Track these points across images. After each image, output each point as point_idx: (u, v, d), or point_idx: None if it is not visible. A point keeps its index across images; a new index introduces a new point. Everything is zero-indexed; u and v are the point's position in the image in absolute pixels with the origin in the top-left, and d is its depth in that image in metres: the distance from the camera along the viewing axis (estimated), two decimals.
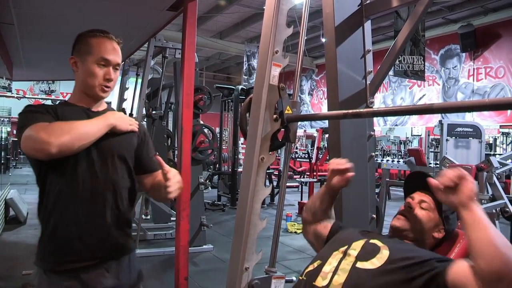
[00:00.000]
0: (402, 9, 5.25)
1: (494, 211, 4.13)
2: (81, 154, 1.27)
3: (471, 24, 10.30)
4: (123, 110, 5.98)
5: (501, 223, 4.52)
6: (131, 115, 5.63)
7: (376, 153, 2.81)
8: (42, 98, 13.63)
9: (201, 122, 5.22)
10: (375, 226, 1.94)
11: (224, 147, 10.56)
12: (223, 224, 6.33)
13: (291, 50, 5.15)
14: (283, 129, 1.65)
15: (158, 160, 1.37)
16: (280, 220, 1.63)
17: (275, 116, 1.64)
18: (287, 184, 1.83)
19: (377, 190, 5.09)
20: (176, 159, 5.36)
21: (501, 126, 10.16)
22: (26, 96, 12.93)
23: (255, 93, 1.68)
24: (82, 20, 3.21)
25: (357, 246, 1.30)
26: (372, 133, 1.92)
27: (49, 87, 14.38)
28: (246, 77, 12.83)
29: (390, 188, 8.54)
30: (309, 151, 11.62)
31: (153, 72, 5.78)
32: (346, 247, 1.32)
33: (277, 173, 9.44)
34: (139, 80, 5.30)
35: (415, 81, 10.82)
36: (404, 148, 12.21)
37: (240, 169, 7.51)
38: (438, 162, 6.24)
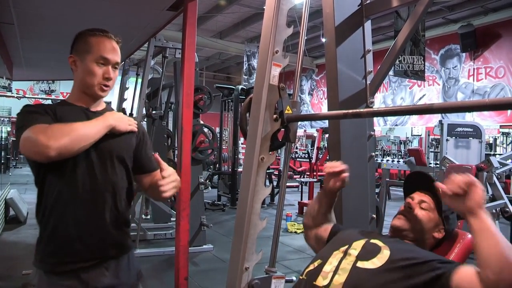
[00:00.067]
0: (402, 9, 5.25)
1: (494, 211, 4.13)
2: (81, 155, 1.27)
3: (471, 24, 10.30)
4: (123, 110, 5.97)
5: (501, 223, 4.53)
6: (131, 115, 5.63)
7: (376, 153, 2.81)
8: (42, 98, 13.63)
9: (201, 122, 5.21)
10: (375, 226, 1.94)
11: (224, 147, 10.56)
12: (223, 224, 6.33)
13: (291, 50, 5.15)
14: (283, 129, 1.65)
15: (156, 159, 1.37)
16: (280, 220, 1.63)
17: (275, 116, 1.64)
18: (287, 184, 1.83)
19: (377, 190, 5.09)
20: (176, 159, 5.35)
21: (501, 126, 10.15)
22: (26, 96, 12.94)
23: (255, 93, 1.68)
24: (82, 20, 3.21)
25: (357, 246, 1.30)
26: (372, 133, 1.92)
27: (49, 87, 14.38)
28: (246, 77, 12.83)
29: (390, 188, 8.54)
30: (309, 151, 11.62)
31: (153, 72, 5.78)
32: (346, 246, 1.32)
33: (277, 173, 9.44)
34: (139, 80, 5.30)
35: (415, 81, 10.82)
36: (404, 148, 12.21)
37: (240, 169, 7.51)
38: (438, 162, 6.24)
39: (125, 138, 1.40)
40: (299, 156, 12.91)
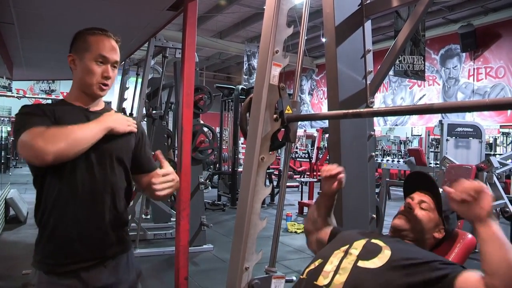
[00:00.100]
0: (402, 9, 5.25)
1: (494, 211, 4.13)
2: (80, 156, 1.26)
3: (471, 24, 10.30)
4: (123, 110, 5.98)
5: (501, 223, 4.52)
6: (131, 114, 5.63)
7: (376, 153, 2.82)
8: (42, 98, 13.64)
9: (201, 122, 5.21)
10: (375, 226, 1.94)
11: (224, 147, 10.56)
12: (223, 223, 6.33)
13: (291, 50, 5.14)
14: (283, 129, 1.65)
15: (159, 158, 1.37)
16: (280, 220, 1.63)
17: (275, 116, 1.64)
18: (287, 184, 1.83)
19: (377, 190, 5.10)
20: (176, 158, 5.35)
21: (501, 126, 10.15)
22: (26, 95, 12.94)
23: (255, 93, 1.68)
24: (82, 20, 3.21)
25: (358, 246, 1.30)
26: (372, 133, 1.92)
27: (49, 87, 14.37)
28: (246, 77, 12.83)
29: (390, 188, 8.54)
30: (309, 151, 11.62)
31: (153, 72, 5.78)
32: (347, 246, 1.32)
33: (277, 173, 9.44)
34: (139, 80, 5.29)
35: (415, 81, 10.82)
36: (404, 148, 12.21)
37: (240, 169, 7.51)
38: (438, 162, 6.24)
39: (125, 139, 1.40)
40: (299, 156, 12.92)
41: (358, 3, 1.86)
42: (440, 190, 1.44)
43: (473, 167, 4.35)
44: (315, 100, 16.07)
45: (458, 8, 10.02)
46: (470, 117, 9.83)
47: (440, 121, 5.62)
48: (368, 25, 1.87)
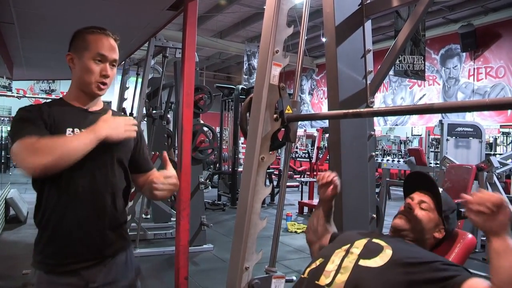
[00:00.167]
0: (403, 9, 5.25)
1: None
2: (81, 158, 1.26)
3: (471, 24, 10.29)
4: (123, 110, 5.98)
5: None
6: (131, 114, 5.64)
7: (376, 152, 2.82)
8: (42, 98, 13.63)
9: (201, 122, 5.21)
10: (375, 225, 1.94)
11: (224, 147, 10.55)
12: (223, 223, 6.33)
13: (291, 50, 5.14)
14: (283, 129, 1.65)
15: (165, 160, 1.36)
16: (280, 220, 1.63)
17: (275, 115, 1.64)
18: (287, 183, 1.83)
19: (377, 190, 5.10)
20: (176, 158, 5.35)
21: (501, 126, 10.15)
22: (26, 95, 12.94)
23: (256, 93, 1.68)
24: (83, 20, 3.20)
25: (359, 245, 1.30)
26: (372, 132, 1.92)
27: (49, 87, 14.36)
28: (246, 76, 12.82)
29: (390, 188, 8.54)
30: (309, 150, 11.61)
31: (153, 72, 5.78)
32: (348, 245, 1.32)
33: (277, 173, 9.44)
34: (140, 80, 5.29)
35: (415, 80, 10.81)
36: (404, 148, 12.20)
37: (240, 169, 7.51)
38: (438, 162, 6.24)
39: (125, 141, 1.39)
40: (299, 155, 12.91)
41: (358, 3, 1.86)
42: (440, 190, 1.44)
43: (473, 167, 4.35)
44: (315, 100, 16.07)
45: (458, 8, 10.01)
46: (470, 117, 9.82)
47: (440, 121, 5.62)
48: (368, 25, 1.87)
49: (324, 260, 1.30)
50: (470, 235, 1.49)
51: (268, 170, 2.22)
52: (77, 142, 1.21)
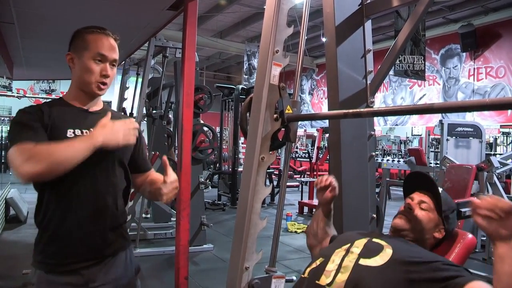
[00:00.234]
0: (403, 9, 5.25)
1: None
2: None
3: (471, 24, 10.29)
4: (123, 110, 5.98)
5: None
6: (131, 114, 5.64)
7: (376, 152, 2.82)
8: (42, 98, 13.62)
9: (202, 122, 5.22)
10: (376, 225, 1.94)
11: (224, 147, 10.55)
12: (223, 223, 6.33)
13: (291, 50, 5.14)
14: (284, 129, 1.65)
15: (164, 163, 1.36)
16: (280, 220, 1.63)
17: (275, 115, 1.64)
18: (287, 183, 1.83)
19: (377, 190, 5.09)
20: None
21: (501, 126, 10.15)
22: (27, 95, 12.93)
23: (256, 93, 1.68)
24: (83, 20, 3.21)
25: (359, 244, 1.30)
26: (372, 132, 1.92)
27: (49, 86, 14.35)
28: (246, 76, 12.82)
29: (390, 187, 8.54)
30: (310, 150, 11.61)
31: (153, 72, 5.78)
32: (348, 245, 1.32)
33: (277, 173, 9.44)
34: (140, 80, 5.30)
35: (415, 80, 10.81)
36: (405, 147, 12.20)
37: (240, 169, 7.51)
38: (438, 162, 6.24)
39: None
40: (300, 155, 12.90)
41: (358, 3, 1.86)
42: (440, 189, 1.44)
43: (473, 167, 4.35)
44: (315, 100, 16.07)
45: (458, 8, 10.01)
46: (470, 117, 9.82)
47: (440, 121, 5.61)
48: (368, 25, 1.87)
49: (325, 260, 1.30)
50: (470, 235, 1.49)
51: (268, 170, 2.22)
52: (71, 149, 1.18)
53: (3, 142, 7.87)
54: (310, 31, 11.75)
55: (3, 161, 7.28)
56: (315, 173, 8.77)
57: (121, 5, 2.99)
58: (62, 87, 14.18)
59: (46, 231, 1.32)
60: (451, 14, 10.32)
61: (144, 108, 4.90)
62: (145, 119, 5.17)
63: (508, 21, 9.89)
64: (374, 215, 1.91)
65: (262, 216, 1.65)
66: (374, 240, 1.31)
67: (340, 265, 1.24)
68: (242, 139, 9.54)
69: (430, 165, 6.91)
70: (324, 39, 3.56)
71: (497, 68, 10.12)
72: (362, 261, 1.22)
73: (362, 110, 1.55)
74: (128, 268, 1.45)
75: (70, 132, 1.30)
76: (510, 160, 4.80)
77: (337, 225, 1.72)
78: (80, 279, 1.31)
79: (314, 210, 1.70)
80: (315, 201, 1.66)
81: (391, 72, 5.66)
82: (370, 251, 1.25)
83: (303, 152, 12.59)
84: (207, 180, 8.48)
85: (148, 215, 6.10)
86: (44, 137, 1.24)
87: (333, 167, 1.90)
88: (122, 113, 4.66)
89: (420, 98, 12.02)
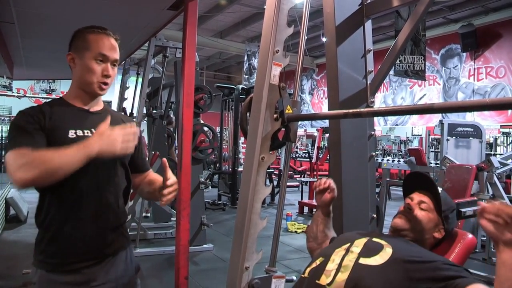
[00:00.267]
0: (403, 9, 5.25)
1: None
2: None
3: (471, 24, 10.29)
4: (124, 109, 5.98)
5: None
6: (131, 114, 5.64)
7: (376, 152, 2.82)
8: (42, 97, 13.62)
9: (202, 122, 5.22)
10: (376, 225, 1.94)
11: (224, 147, 10.55)
12: (223, 223, 6.33)
13: (291, 50, 5.14)
14: (284, 129, 1.65)
15: (163, 165, 1.37)
16: (280, 220, 1.63)
17: (275, 115, 1.64)
18: (288, 183, 1.83)
19: (377, 190, 5.09)
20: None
21: (501, 126, 10.15)
22: (27, 95, 12.93)
23: (256, 93, 1.68)
24: (83, 19, 3.21)
25: (359, 244, 1.30)
26: (372, 132, 1.92)
27: (49, 86, 14.35)
28: (246, 76, 12.82)
29: (390, 187, 8.54)
30: (310, 150, 11.62)
31: (153, 71, 5.78)
32: (348, 244, 1.32)
33: (277, 173, 9.45)
34: (140, 79, 5.30)
35: (415, 80, 10.81)
36: (405, 147, 12.21)
37: (240, 169, 7.51)
38: (438, 162, 6.24)
39: None
40: (300, 155, 12.90)
41: (358, 2, 1.86)
42: (440, 189, 1.45)
43: (473, 167, 4.35)
44: (315, 100, 16.07)
45: (458, 8, 10.01)
46: (471, 117, 9.82)
47: (441, 121, 5.61)
48: (368, 24, 1.87)
49: (325, 260, 1.30)
50: (470, 235, 1.49)
51: (268, 170, 2.21)
52: (66, 158, 1.16)
53: (3, 142, 7.87)
54: (310, 31, 11.74)
55: (3, 161, 7.29)
56: (315, 173, 8.77)
57: (121, 5, 2.99)
58: (62, 87, 14.18)
59: (47, 231, 1.32)
60: (451, 14, 10.31)
61: (144, 108, 4.90)
62: (145, 119, 5.17)
63: (509, 21, 9.89)
64: (374, 215, 1.91)
65: (262, 216, 1.65)
66: (374, 239, 1.31)
67: (340, 265, 1.24)
68: (242, 139, 9.54)
69: (430, 165, 6.91)
70: (324, 39, 3.56)
71: (497, 68, 10.11)
72: (362, 260, 1.22)
73: (362, 110, 1.55)
74: (128, 267, 1.46)
75: (72, 133, 1.30)
76: (510, 160, 4.80)
77: (337, 225, 1.72)
78: (81, 278, 1.32)
79: (314, 210, 1.70)
80: (315, 201, 1.66)
81: (391, 72, 5.66)
82: (370, 250, 1.25)
83: (303, 152, 12.59)
84: (207, 180, 8.48)
85: (148, 214, 6.11)
86: (41, 142, 1.24)
87: (333, 167, 1.90)
88: (122, 113, 4.66)
89: (420, 98, 12.02)
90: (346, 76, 1.83)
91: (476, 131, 5.53)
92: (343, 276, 1.20)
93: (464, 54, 10.76)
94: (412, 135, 12.66)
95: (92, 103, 1.40)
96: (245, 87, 8.37)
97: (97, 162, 1.27)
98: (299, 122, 1.77)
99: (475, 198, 3.94)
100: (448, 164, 4.77)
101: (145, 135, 5.55)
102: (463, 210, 1.92)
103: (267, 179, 8.37)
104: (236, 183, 7.69)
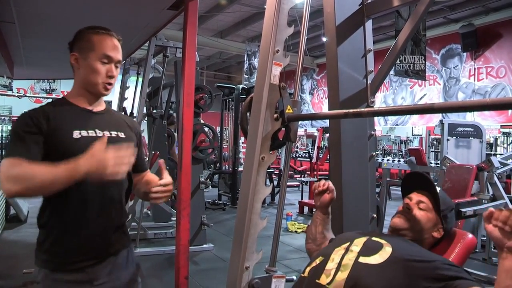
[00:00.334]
0: (403, 9, 5.25)
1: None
2: None
3: (472, 24, 10.29)
4: (124, 109, 5.98)
5: None
6: (131, 114, 5.64)
7: (376, 152, 2.82)
8: (43, 97, 13.62)
9: (202, 121, 5.22)
10: (376, 225, 1.94)
11: (224, 146, 10.55)
12: (223, 223, 6.33)
13: (292, 50, 5.15)
14: (284, 128, 1.65)
15: (160, 167, 1.37)
16: (280, 219, 1.63)
17: (275, 115, 1.64)
18: (288, 183, 1.83)
19: (377, 190, 5.09)
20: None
21: (502, 126, 10.15)
22: (27, 94, 12.93)
23: (256, 92, 1.68)
24: (83, 19, 3.21)
25: (359, 243, 1.30)
26: (372, 132, 1.92)
27: (50, 86, 14.36)
28: (247, 76, 12.82)
29: (390, 187, 8.53)
30: (310, 150, 11.62)
31: (153, 71, 5.78)
32: (348, 243, 1.32)
33: (277, 173, 9.45)
34: (140, 79, 5.30)
35: (416, 80, 10.81)
36: (405, 147, 12.21)
37: (240, 168, 7.51)
38: (438, 162, 6.24)
39: (129, 144, 1.39)
40: (300, 155, 12.91)
41: (359, 2, 1.86)
42: (438, 189, 1.45)
43: (473, 167, 4.35)
44: (315, 100, 16.07)
45: (459, 7, 10.00)
46: (471, 117, 9.82)
47: (441, 121, 5.61)
48: (369, 24, 1.87)
49: (324, 259, 1.31)
50: (470, 235, 1.49)
51: (268, 170, 2.21)
52: (52, 177, 1.15)
53: (3, 142, 7.87)
54: (311, 31, 11.74)
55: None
56: (315, 172, 8.77)
57: (122, 5, 2.99)
58: (63, 87, 14.18)
59: (52, 232, 1.32)
60: (451, 14, 10.31)
61: (145, 107, 4.90)
62: (146, 118, 5.17)
63: (509, 21, 9.89)
64: (374, 215, 1.91)
65: (262, 216, 1.65)
66: (374, 238, 1.31)
67: (340, 264, 1.24)
68: (242, 139, 9.54)
69: (431, 165, 6.90)
70: (324, 39, 3.55)
71: (497, 68, 10.11)
72: (362, 259, 1.22)
73: (362, 110, 1.55)
74: (129, 266, 1.47)
75: (76, 133, 1.31)
76: (510, 160, 4.80)
77: (337, 225, 1.72)
78: (85, 277, 1.33)
79: (314, 210, 1.71)
80: (314, 203, 1.67)
81: (392, 72, 5.65)
82: (370, 249, 1.26)
83: (303, 152, 12.59)
84: (208, 180, 8.47)
85: (149, 211, 6.10)
86: (36, 153, 1.23)
87: (333, 167, 1.90)
88: (123, 113, 4.67)
89: (420, 98, 12.02)
90: (346, 76, 1.83)
91: (477, 131, 5.52)
92: (343, 275, 1.20)
93: (465, 54, 10.76)
94: (412, 135, 12.66)
95: (96, 103, 1.41)
96: (245, 87, 8.37)
97: None
98: (299, 122, 1.77)
99: (475, 198, 3.94)
100: (448, 164, 4.76)
101: (145, 135, 5.56)
102: (463, 210, 1.92)
103: (267, 179, 8.36)
104: (236, 183, 7.69)
